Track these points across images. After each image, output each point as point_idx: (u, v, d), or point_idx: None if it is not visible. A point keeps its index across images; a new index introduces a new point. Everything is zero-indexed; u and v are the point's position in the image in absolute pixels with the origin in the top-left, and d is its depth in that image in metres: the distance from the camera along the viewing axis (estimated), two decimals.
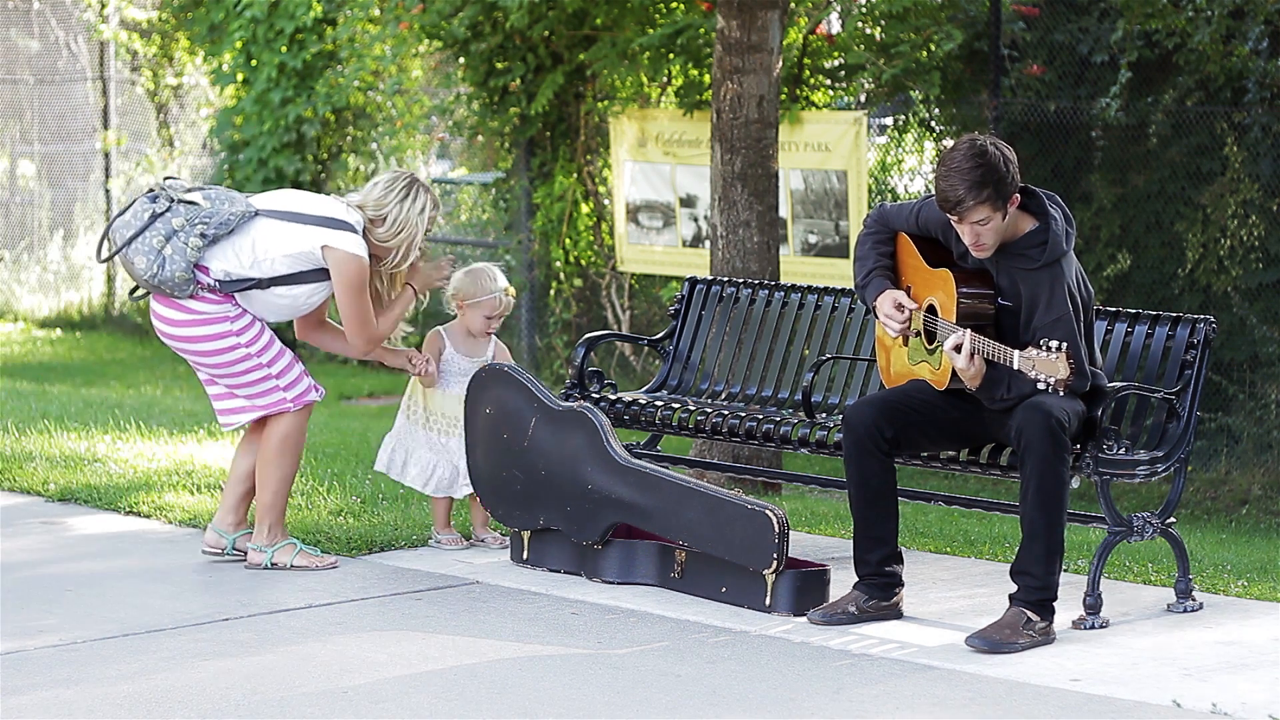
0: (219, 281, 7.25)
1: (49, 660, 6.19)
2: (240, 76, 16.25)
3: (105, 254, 7.32)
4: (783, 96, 11.54)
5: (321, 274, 7.32)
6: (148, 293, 7.34)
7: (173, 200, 7.24)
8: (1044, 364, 6.22)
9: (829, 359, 7.68)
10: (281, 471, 7.36)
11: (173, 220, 7.20)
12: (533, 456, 7.37)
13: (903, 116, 13.01)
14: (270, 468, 7.35)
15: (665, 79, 13.38)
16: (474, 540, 7.84)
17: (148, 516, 8.29)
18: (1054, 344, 6.23)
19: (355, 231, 7.29)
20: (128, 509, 8.41)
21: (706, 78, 12.52)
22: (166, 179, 7.44)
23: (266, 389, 7.36)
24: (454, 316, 7.85)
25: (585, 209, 14.09)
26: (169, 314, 7.30)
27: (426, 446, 7.75)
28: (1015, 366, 6.31)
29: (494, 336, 7.86)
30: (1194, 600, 6.95)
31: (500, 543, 7.78)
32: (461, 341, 7.80)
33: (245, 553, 7.48)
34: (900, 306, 6.71)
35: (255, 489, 7.47)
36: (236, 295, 7.29)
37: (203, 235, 7.20)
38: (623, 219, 13.50)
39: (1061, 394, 6.32)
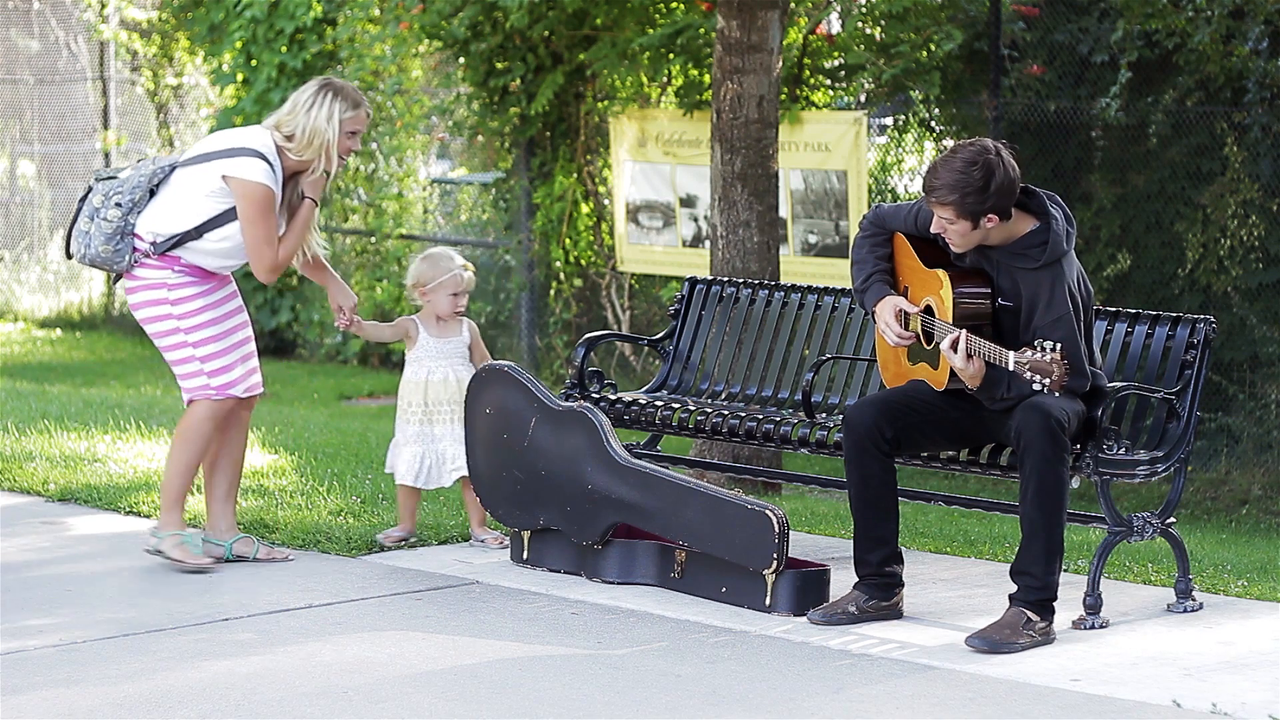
0: (153, 244, 7.20)
1: (49, 660, 6.19)
2: (240, 76, 16.26)
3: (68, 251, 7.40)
4: (783, 96, 11.54)
5: None
6: (118, 276, 7.36)
7: (96, 180, 7.30)
8: (1038, 365, 6.22)
9: (829, 359, 7.69)
10: (181, 458, 7.28)
11: (93, 199, 7.25)
12: (533, 456, 7.37)
13: (903, 116, 13.01)
14: (174, 451, 7.31)
15: (665, 79, 13.38)
16: (472, 540, 7.84)
17: (148, 516, 8.29)
18: (1048, 344, 6.23)
19: (257, 155, 7.17)
20: (128, 509, 8.41)
21: (706, 78, 12.53)
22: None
23: (190, 371, 7.28)
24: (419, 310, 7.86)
25: (585, 209, 14.09)
26: (124, 284, 7.35)
27: (414, 440, 7.74)
28: (1010, 367, 6.31)
29: (464, 318, 7.86)
30: (1194, 600, 6.95)
31: (500, 542, 7.78)
32: (433, 327, 7.79)
33: (242, 558, 7.47)
34: (901, 314, 6.71)
35: (230, 488, 7.49)
36: (183, 255, 7.22)
37: (118, 205, 7.18)
38: (623, 219, 13.50)
39: (1057, 395, 6.32)
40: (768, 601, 6.81)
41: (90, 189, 7.30)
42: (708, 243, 10.69)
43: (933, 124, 12.82)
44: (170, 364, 7.35)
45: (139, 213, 7.23)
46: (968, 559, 7.82)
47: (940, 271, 6.60)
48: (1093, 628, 6.62)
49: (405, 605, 6.93)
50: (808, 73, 12.65)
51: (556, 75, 13.56)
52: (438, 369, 7.74)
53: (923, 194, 6.56)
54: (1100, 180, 11.97)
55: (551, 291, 14.29)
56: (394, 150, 15.79)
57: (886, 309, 6.74)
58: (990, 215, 6.42)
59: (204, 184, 7.19)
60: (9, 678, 5.98)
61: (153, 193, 7.26)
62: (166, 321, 7.24)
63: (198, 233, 7.19)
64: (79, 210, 7.29)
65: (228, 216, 7.20)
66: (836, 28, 13.03)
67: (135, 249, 7.21)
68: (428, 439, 7.73)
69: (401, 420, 7.79)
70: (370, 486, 8.79)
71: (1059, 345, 6.23)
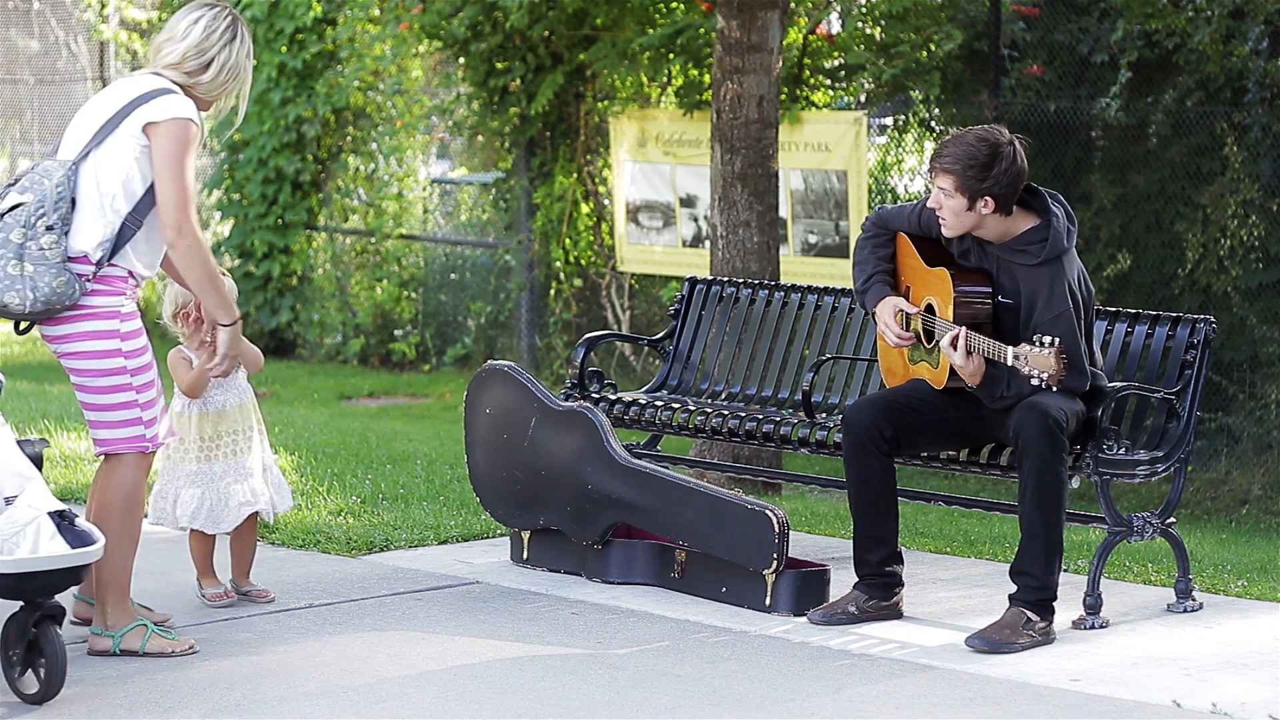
0: (98, 262, 6.02)
1: None
2: None
3: None
4: (783, 96, 11.54)
5: None
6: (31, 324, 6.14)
7: None
8: (1036, 359, 6.22)
9: (829, 359, 7.69)
10: (128, 533, 6.15)
11: (10, 235, 5.97)
12: (533, 456, 7.37)
13: (903, 116, 13.01)
14: (115, 528, 6.08)
15: (665, 79, 13.39)
16: (239, 593, 6.92)
17: (147, 517, 8.27)
18: (1046, 339, 6.24)
19: (175, 93, 6.12)
20: None
21: (706, 78, 12.52)
22: None
23: (129, 419, 6.12)
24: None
25: (585, 209, 14.09)
26: (56, 323, 6.09)
27: (192, 481, 6.76)
28: (1009, 363, 6.32)
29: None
30: (1194, 600, 6.96)
31: (263, 595, 6.90)
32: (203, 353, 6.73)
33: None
34: (901, 314, 6.72)
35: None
36: (124, 264, 6.06)
37: (49, 228, 5.97)
38: (623, 219, 13.50)
39: (1054, 389, 6.32)
40: (768, 601, 6.81)
41: None
42: (708, 243, 10.69)
43: (933, 124, 12.82)
44: (97, 411, 6.13)
45: (68, 231, 6.02)
46: (968, 559, 7.82)
47: (942, 270, 6.61)
48: (1093, 628, 6.62)
49: (405, 605, 6.93)
50: (808, 73, 12.65)
51: (556, 75, 13.56)
52: (215, 397, 6.75)
53: (929, 163, 6.60)
54: (1100, 180, 11.97)
55: (551, 291, 14.29)
56: (394, 150, 15.79)
57: (886, 309, 6.75)
58: (988, 199, 6.43)
59: (124, 155, 6.07)
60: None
61: (72, 203, 6.06)
62: (114, 359, 6.08)
63: (135, 219, 6.08)
64: None
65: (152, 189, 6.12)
66: (836, 28, 13.04)
67: (79, 275, 6.00)
68: (206, 478, 6.76)
69: (173, 458, 6.79)
70: (370, 486, 8.79)
71: (1058, 340, 6.23)
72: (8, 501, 5.84)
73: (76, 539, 5.80)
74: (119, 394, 6.11)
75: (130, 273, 6.12)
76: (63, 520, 5.82)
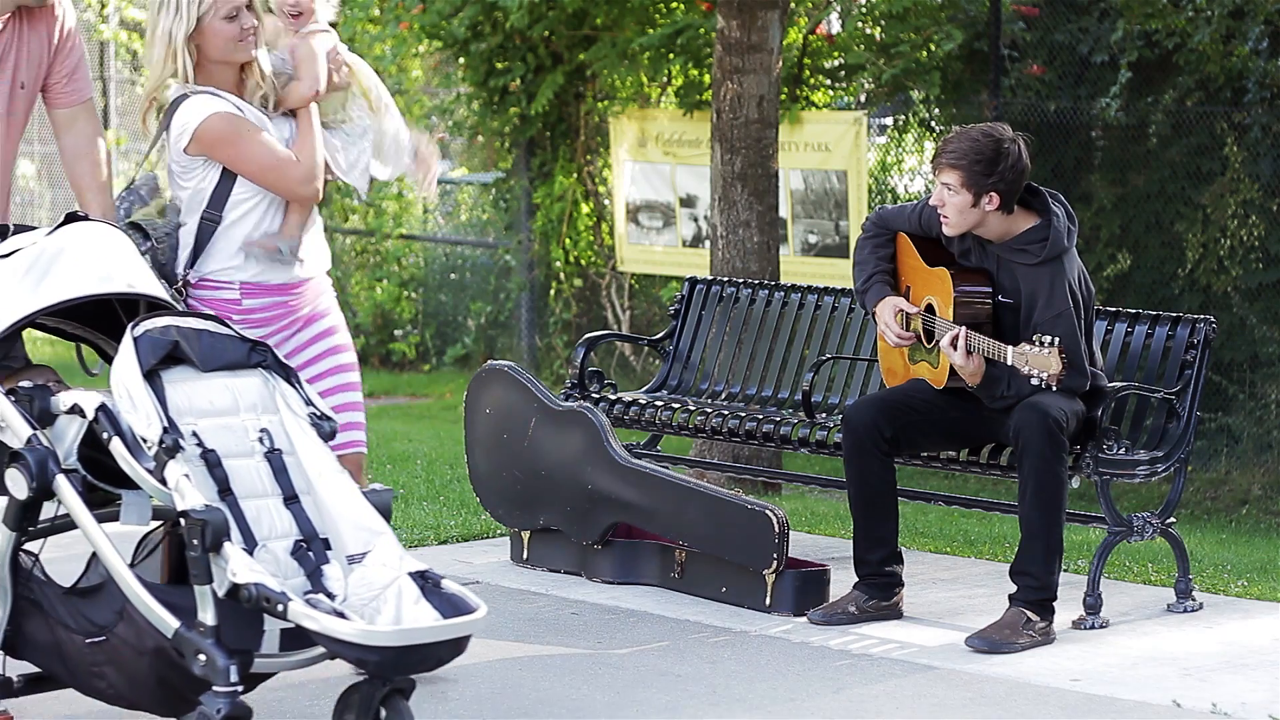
0: (186, 278, 6.09)
1: None
2: None
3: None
4: (783, 96, 11.54)
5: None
6: None
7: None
8: (1036, 359, 6.23)
9: (829, 359, 7.69)
10: None
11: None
12: (533, 456, 7.37)
13: (903, 116, 13.00)
14: None
15: (665, 79, 13.39)
16: None
17: None
18: (1047, 339, 6.24)
19: (186, 98, 6.01)
20: None
21: (706, 78, 12.52)
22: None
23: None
24: None
25: (585, 209, 14.08)
26: None
27: None
28: (1009, 362, 6.32)
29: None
30: (1194, 600, 6.96)
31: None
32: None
33: None
34: (901, 314, 6.72)
35: None
36: (216, 267, 6.05)
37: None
38: (623, 219, 13.50)
39: (1054, 389, 6.32)
40: (768, 601, 6.81)
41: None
42: (708, 243, 10.69)
43: (933, 124, 12.82)
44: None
45: (181, 263, 6.08)
46: (968, 559, 7.82)
47: (942, 270, 6.61)
48: (1093, 628, 6.62)
49: None
50: (808, 73, 12.65)
51: (556, 75, 13.56)
52: None
53: (932, 161, 6.61)
54: (1100, 180, 11.96)
55: (551, 291, 14.29)
56: None
57: (886, 309, 6.75)
58: (992, 195, 6.43)
59: (174, 174, 6.12)
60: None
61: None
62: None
63: (214, 216, 5.97)
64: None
65: (227, 177, 5.99)
66: (836, 28, 13.03)
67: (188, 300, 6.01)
68: None
69: None
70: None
71: (1058, 340, 6.24)
72: (352, 560, 5.09)
73: (447, 605, 4.93)
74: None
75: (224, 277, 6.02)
76: (425, 582, 5.00)
